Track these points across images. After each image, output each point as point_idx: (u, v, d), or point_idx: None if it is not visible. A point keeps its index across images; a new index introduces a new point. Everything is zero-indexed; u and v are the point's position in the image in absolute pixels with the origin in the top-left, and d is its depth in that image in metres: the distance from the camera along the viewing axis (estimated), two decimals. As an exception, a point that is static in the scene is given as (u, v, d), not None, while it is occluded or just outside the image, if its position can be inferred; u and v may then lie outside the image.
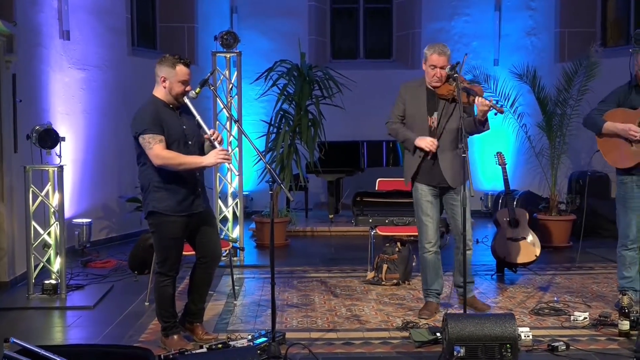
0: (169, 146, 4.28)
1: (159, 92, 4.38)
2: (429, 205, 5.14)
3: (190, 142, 4.41)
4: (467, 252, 5.06)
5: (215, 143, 4.31)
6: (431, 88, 5.10)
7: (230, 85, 7.64)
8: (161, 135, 4.24)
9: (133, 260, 6.80)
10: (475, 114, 4.90)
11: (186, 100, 4.38)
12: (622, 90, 5.18)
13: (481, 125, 4.93)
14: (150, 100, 4.38)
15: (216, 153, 4.29)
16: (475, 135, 5.27)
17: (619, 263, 5.31)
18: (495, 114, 4.87)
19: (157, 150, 4.21)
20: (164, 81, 4.33)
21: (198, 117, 4.42)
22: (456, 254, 5.24)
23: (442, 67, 4.98)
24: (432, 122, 5.06)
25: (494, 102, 4.82)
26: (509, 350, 4.02)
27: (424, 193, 5.15)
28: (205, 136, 4.42)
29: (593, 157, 6.04)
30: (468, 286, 5.21)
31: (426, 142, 4.98)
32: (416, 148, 5.07)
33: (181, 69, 4.32)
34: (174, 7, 10.20)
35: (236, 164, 7.58)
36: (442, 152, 5.04)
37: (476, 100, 4.79)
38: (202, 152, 4.51)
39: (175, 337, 4.49)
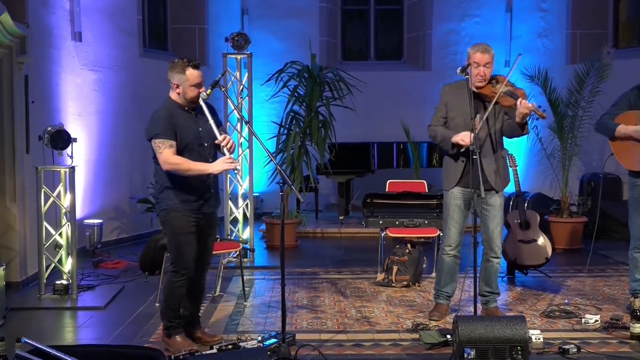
0: (183, 148, 4.32)
1: (174, 95, 4.42)
2: (456, 209, 5.08)
3: (205, 144, 4.44)
4: (495, 260, 5.11)
5: (225, 150, 4.32)
6: (474, 89, 4.94)
7: (241, 86, 7.66)
8: (172, 141, 4.28)
9: (144, 260, 6.83)
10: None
11: (202, 102, 4.40)
12: (633, 94, 5.16)
13: (520, 128, 4.85)
14: (166, 104, 4.42)
15: (223, 161, 4.32)
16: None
17: (631, 265, 5.28)
18: (537, 119, 4.82)
19: (166, 155, 4.27)
20: (177, 87, 4.37)
21: (211, 121, 4.43)
22: (484, 262, 5.19)
23: (485, 66, 4.89)
24: (476, 124, 4.90)
25: (537, 106, 4.76)
26: (520, 352, 4.00)
27: (454, 196, 5.08)
28: (216, 142, 4.43)
29: (604, 159, 5.99)
30: (492, 297, 5.21)
31: (461, 136, 4.84)
32: (458, 150, 4.96)
33: (191, 72, 4.34)
34: (185, 8, 10.23)
35: (246, 166, 7.60)
36: (490, 155, 4.99)
37: (518, 103, 4.71)
38: (217, 154, 4.54)
39: (178, 337, 4.47)
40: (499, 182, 5.03)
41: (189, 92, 4.35)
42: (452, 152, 4.98)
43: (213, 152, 4.50)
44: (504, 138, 5.14)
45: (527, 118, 4.83)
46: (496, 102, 4.88)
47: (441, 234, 6.55)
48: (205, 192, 4.45)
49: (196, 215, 4.42)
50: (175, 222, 4.39)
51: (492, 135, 4.99)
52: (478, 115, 4.85)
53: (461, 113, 4.94)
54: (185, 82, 4.33)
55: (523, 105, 4.70)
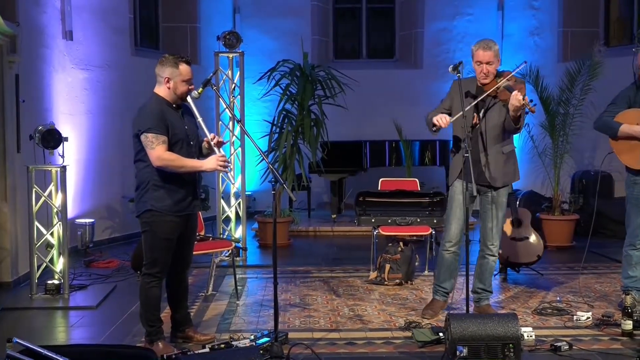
0: (173, 146, 4.26)
1: (162, 91, 4.34)
2: (459, 205, 5.02)
3: (192, 143, 4.40)
4: (490, 258, 5.10)
5: (215, 148, 4.30)
6: (480, 85, 4.99)
7: (233, 85, 7.65)
8: (165, 136, 4.21)
9: (136, 260, 6.80)
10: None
11: (189, 100, 4.37)
12: (630, 91, 5.15)
13: (514, 122, 4.82)
14: (155, 99, 4.32)
15: (216, 159, 4.28)
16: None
17: (624, 262, 5.29)
18: (527, 113, 4.82)
19: (159, 151, 4.18)
20: (167, 82, 4.29)
21: (200, 119, 4.41)
22: (479, 258, 5.18)
23: (487, 63, 4.91)
24: (477, 119, 4.96)
25: (529, 100, 4.74)
26: (512, 350, 4.02)
27: (457, 190, 5.05)
28: (205, 139, 4.41)
29: (596, 157, 6.06)
30: (485, 295, 5.21)
31: (438, 117, 4.85)
32: (458, 140, 4.99)
33: (184, 67, 4.31)
34: (177, 7, 10.21)
35: (239, 164, 7.59)
36: (485, 149, 4.98)
37: (512, 94, 4.70)
38: (201, 153, 4.52)
39: (160, 343, 4.37)
40: (496, 179, 5.00)
41: (179, 87, 4.30)
42: (432, 133, 4.97)
43: (198, 152, 4.48)
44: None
45: (523, 113, 4.82)
46: (495, 97, 4.90)
47: (434, 232, 6.61)
48: (194, 191, 4.42)
49: (179, 218, 4.36)
50: (160, 227, 4.31)
51: (489, 130, 4.97)
52: (483, 110, 4.91)
53: (458, 109, 4.94)
54: (177, 76, 4.28)
55: (513, 97, 4.67)
